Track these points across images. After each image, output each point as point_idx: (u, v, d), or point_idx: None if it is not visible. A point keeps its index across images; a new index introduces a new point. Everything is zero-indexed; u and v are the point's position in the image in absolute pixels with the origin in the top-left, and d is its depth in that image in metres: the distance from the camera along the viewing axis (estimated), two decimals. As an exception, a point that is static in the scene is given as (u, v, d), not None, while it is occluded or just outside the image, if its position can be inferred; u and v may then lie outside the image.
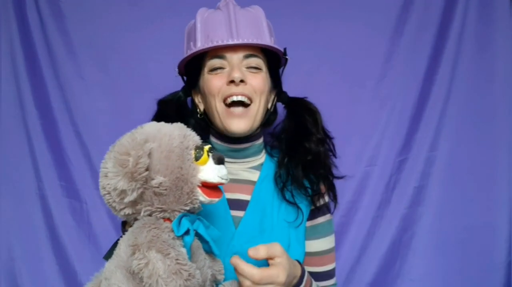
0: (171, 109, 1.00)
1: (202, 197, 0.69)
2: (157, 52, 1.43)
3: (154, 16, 1.44)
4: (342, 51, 1.45)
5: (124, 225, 0.86)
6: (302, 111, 1.03)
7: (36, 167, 1.44)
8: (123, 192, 0.63)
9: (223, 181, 0.70)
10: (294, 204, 0.95)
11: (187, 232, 0.66)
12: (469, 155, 1.45)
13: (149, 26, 1.44)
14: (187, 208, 0.69)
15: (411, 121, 1.46)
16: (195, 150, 0.69)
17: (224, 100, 0.92)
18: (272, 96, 1.04)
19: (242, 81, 0.90)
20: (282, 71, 1.05)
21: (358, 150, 1.46)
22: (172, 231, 0.65)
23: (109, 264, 0.71)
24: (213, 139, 1.03)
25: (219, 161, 0.70)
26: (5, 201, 1.44)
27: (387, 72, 1.46)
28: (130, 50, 1.44)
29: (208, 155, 0.69)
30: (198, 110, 1.02)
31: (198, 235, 0.70)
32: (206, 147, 0.70)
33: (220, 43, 0.89)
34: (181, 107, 1.03)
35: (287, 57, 1.01)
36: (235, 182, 0.97)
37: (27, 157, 1.45)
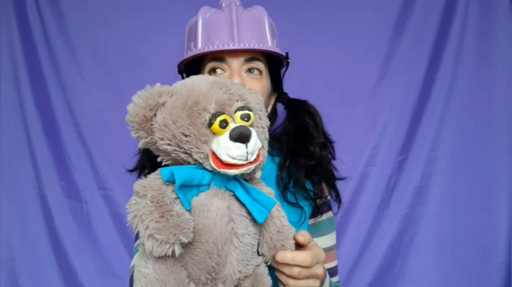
0: None
1: (211, 165, 0.60)
2: (156, 52, 1.43)
3: (154, 17, 1.44)
4: (342, 51, 1.45)
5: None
6: (302, 113, 1.03)
7: (36, 167, 1.44)
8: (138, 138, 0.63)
9: (234, 161, 0.58)
10: (296, 205, 0.95)
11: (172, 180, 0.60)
12: (469, 154, 1.45)
13: (149, 26, 1.44)
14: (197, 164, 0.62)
15: (411, 121, 1.46)
16: (213, 114, 0.60)
17: None
18: (272, 100, 1.04)
19: None
20: (284, 73, 1.05)
21: (358, 150, 1.46)
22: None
23: None
24: None
25: (237, 139, 0.58)
26: (5, 201, 1.44)
27: (387, 72, 1.46)
28: (130, 50, 1.44)
29: (223, 127, 0.59)
30: None
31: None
32: (222, 117, 0.59)
33: (221, 47, 0.88)
34: None
35: (289, 60, 1.00)
36: None
37: (27, 157, 1.45)
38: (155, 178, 0.60)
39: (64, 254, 1.44)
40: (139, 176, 0.93)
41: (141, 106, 0.61)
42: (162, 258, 0.57)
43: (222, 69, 0.91)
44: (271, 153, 1.03)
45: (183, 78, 1.04)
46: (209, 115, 0.60)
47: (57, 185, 1.45)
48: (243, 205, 0.62)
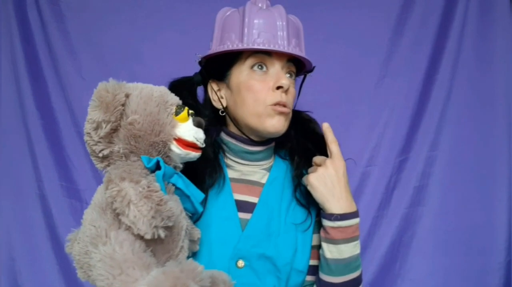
0: (184, 93, 0.99)
1: (177, 148, 0.71)
2: (157, 52, 1.43)
3: (154, 17, 1.44)
4: (342, 51, 1.45)
5: None
6: (305, 121, 1.03)
7: (36, 167, 1.44)
8: (99, 125, 0.66)
9: (198, 143, 0.72)
10: (304, 206, 0.94)
11: (158, 168, 0.69)
12: (469, 154, 1.45)
13: (149, 26, 1.44)
14: (161, 156, 0.72)
15: (412, 121, 1.46)
16: (177, 106, 0.72)
17: (271, 104, 0.92)
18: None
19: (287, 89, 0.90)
20: (301, 86, 1.05)
21: (358, 150, 1.45)
22: (144, 167, 0.68)
23: (86, 210, 0.74)
24: (226, 137, 1.00)
25: (199, 124, 0.72)
26: (5, 201, 1.44)
27: (387, 72, 1.46)
28: (130, 50, 1.45)
29: (189, 115, 0.72)
30: (213, 103, 0.99)
31: (179, 194, 0.73)
32: (187, 108, 0.73)
33: (274, 47, 0.89)
34: (191, 94, 1.00)
35: (311, 74, 1.01)
36: (244, 182, 0.95)
37: (27, 157, 1.45)
38: (132, 166, 0.67)
39: (64, 254, 1.43)
40: None
41: (113, 87, 0.66)
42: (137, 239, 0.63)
43: (266, 66, 0.91)
44: (280, 155, 1.03)
45: (201, 66, 1.02)
46: (174, 107, 0.71)
47: (57, 185, 1.45)
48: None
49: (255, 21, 0.92)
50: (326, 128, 0.91)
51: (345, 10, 1.45)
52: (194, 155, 0.73)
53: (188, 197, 0.74)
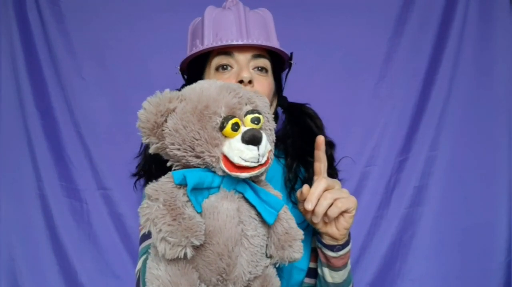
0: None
1: (223, 168, 0.61)
2: (156, 52, 1.43)
3: (154, 16, 1.44)
4: (342, 51, 1.45)
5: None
6: (303, 116, 1.02)
7: (36, 167, 1.44)
8: (148, 145, 0.63)
9: (247, 164, 0.59)
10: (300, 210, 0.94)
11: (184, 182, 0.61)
12: (469, 154, 1.45)
13: (149, 26, 1.44)
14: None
15: (412, 121, 1.46)
16: (224, 118, 0.60)
17: None
18: (275, 101, 1.03)
19: (250, 82, 0.89)
20: (286, 76, 1.05)
21: (358, 150, 1.45)
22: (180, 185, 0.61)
23: None
24: None
25: (249, 141, 0.59)
26: (5, 201, 1.44)
27: (387, 72, 1.46)
28: (130, 50, 1.45)
29: (235, 130, 0.60)
30: None
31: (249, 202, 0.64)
32: (234, 120, 0.60)
33: (230, 42, 0.88)
34: None
35: (292, 62, 0.99)
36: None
37: (27, 157, 1.45)
38: (166, 181, 0.61)
39: (64, 254, 1.43)
40: (138, 179, 0.93)
41: (152, 112, 0.61)
42: (174, 260, 0.58)
43: (230, 65, 0.90)
44: (276, 155, 1.03)
45: (183, 77, 1.04)
46: (220, 119, 0.60)
47: (57, 185, 1.45)
48: (252, 206, 0.64)
49: (213, 22, 0.92)
50: (320, 143, 0.85)
51: (345, 10, 1.45)
52: (245, 175, 0.61)
53: (262, 203, 0.64)
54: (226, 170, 0.60)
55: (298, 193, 0.80)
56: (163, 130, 0.62)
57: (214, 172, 0.62)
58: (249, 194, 0.63)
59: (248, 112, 0.63)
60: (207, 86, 0.65)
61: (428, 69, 1.45)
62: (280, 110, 1.09)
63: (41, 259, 1.44)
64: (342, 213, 0.79)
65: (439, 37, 1.45)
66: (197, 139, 0.60)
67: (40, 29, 1.43)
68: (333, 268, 0.87)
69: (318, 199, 0.77)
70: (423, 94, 1.46)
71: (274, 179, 0.97)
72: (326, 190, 0.78)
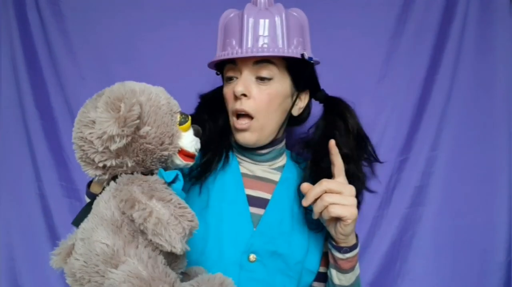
0: (212, 104, 0.99)
1: (179, 160, 0.70)
2: (157, 52, 1.43)
3: (154, 16, 1.44)
4: (342, 51, 1.45)
5: (89, 187, 0.87)
6: (336, 115, 1.00)
7: (36, 167, 1.44)
8: (111, 138, 0.60)
9: (196, 154, 0.72)
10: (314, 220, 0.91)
11: (174, 181, 0.67)
12: (469, 154, 1.45)
13: (149, 26, 1.44)
14: (162, 167, 0.70)
15: (412, 121, 1.46)
16: (180, 114, 0.70)
17: (232, 113, 0.92)
18: (300, 100, 1.01)
19: (244, 95, 0.88)
20: (308, 71, 1.02)
21: (358, 150, 1.45)
22: (162, 181, 0.65)
23: (85, 225, 0.67)
24: (234, 140, 0.99)
25: (197, 134, 0.71)
26: (5, 201, 1.44)
27: (387, 73, 1.46)
28: (130, 50, 1.44)
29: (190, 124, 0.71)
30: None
31: None
32: (189, 116, 0.71)
33: (227, 56, 0.89)
34: (219, 103, 1.00)
35: (307, 58, 0.95)
36: (256, 179, 0.95)
37: (27, 157, 1.45)
38: (154, 180, 0.64)
39: (64, 254, 1.43)
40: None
41: (128, 96, 0.64)
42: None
43: (235, 76, 0.91)
44: (296, 160, 1.02)
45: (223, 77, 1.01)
46: (179, 116, 0.69)
47: (57, 185, 1.45)
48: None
49: (224, 29, 0.93)
50: (332, 147, 0.87)
51: (345, 9, 1.45)
52: (191, 164, 0.72)
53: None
54: (182, 160, 0.70)
55: (301, 187, 0.85)
56: (138, 118, 0.65)
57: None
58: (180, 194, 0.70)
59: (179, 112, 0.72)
60: (154, 87, 0.74)
61: (428, 69, 1.45)
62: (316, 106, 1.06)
63: (41, 259, 1.44)
64: (338, 219, 0.80)
65: (439, 37, 1.45)
66: (167, 132, 0.67)
67: (40, 29, 1.43)
68: (341, 270, 0.87)
69: (316, 199, 0.79)
70: (424, 94, 1.46)
71: (287, 180, 0.97)
72: (327, 191, 0.79)
